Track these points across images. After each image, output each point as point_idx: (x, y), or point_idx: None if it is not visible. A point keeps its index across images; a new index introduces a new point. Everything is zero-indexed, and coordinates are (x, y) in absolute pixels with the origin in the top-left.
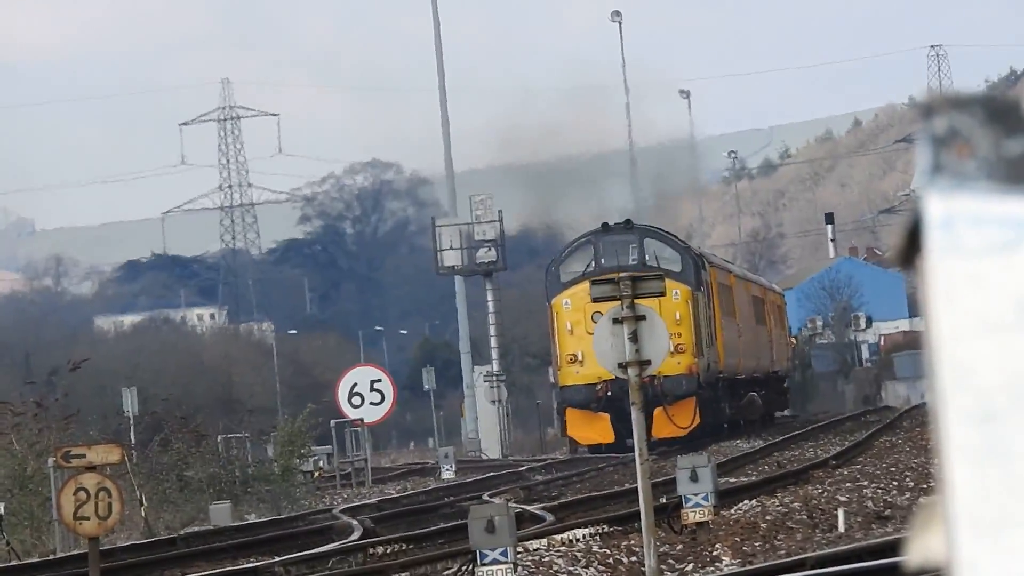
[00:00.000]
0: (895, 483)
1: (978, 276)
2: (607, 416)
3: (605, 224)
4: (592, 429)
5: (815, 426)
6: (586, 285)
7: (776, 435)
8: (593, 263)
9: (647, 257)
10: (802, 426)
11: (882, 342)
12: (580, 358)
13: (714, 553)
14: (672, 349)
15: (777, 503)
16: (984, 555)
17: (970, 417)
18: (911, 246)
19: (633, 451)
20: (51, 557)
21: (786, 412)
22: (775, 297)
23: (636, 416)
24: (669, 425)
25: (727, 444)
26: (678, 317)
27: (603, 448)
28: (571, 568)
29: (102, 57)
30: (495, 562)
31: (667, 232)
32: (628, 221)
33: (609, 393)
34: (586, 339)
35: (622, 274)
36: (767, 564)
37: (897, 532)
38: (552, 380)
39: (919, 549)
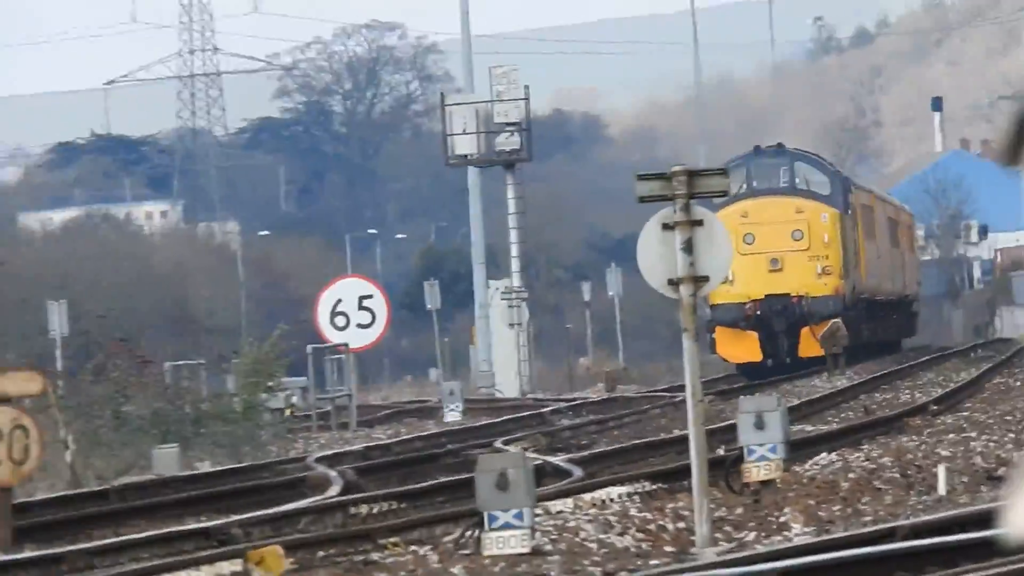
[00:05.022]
0: (1010, 435)
1: None
2: (755, 334)
3: (757, 147)
4: (740, 347)
5: (913, 363)
6: (739, 206)
7: (863, 373)
8: (745, 185)
9: (797, 180)
10: (897, 362)
11: (998, 258)
12: (731, 277)
13: (781, 519)
14: (820, 271)
15: (863, 458)
16: None
17: None
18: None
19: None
20: None
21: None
22: (906, 217)
23: (688, 345)
24: (815, 345)
25: (803, 384)
26: (827, 239)
27: (750, 367)
28: (603, 536)
29: None
30: (507, 526)
31: (817, 156)
32: (780, 144)
33: (758, 312)
34: (737, 259)
35: (676, 167)
36: (848, 534)
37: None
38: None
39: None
